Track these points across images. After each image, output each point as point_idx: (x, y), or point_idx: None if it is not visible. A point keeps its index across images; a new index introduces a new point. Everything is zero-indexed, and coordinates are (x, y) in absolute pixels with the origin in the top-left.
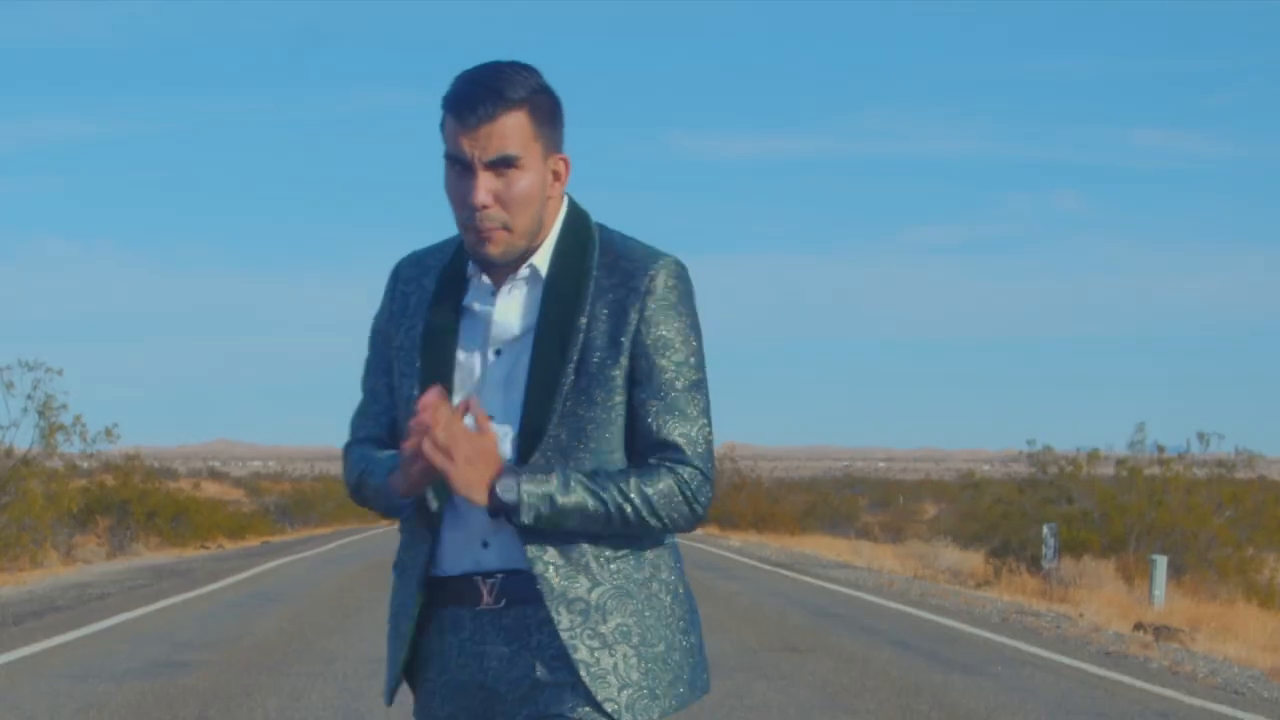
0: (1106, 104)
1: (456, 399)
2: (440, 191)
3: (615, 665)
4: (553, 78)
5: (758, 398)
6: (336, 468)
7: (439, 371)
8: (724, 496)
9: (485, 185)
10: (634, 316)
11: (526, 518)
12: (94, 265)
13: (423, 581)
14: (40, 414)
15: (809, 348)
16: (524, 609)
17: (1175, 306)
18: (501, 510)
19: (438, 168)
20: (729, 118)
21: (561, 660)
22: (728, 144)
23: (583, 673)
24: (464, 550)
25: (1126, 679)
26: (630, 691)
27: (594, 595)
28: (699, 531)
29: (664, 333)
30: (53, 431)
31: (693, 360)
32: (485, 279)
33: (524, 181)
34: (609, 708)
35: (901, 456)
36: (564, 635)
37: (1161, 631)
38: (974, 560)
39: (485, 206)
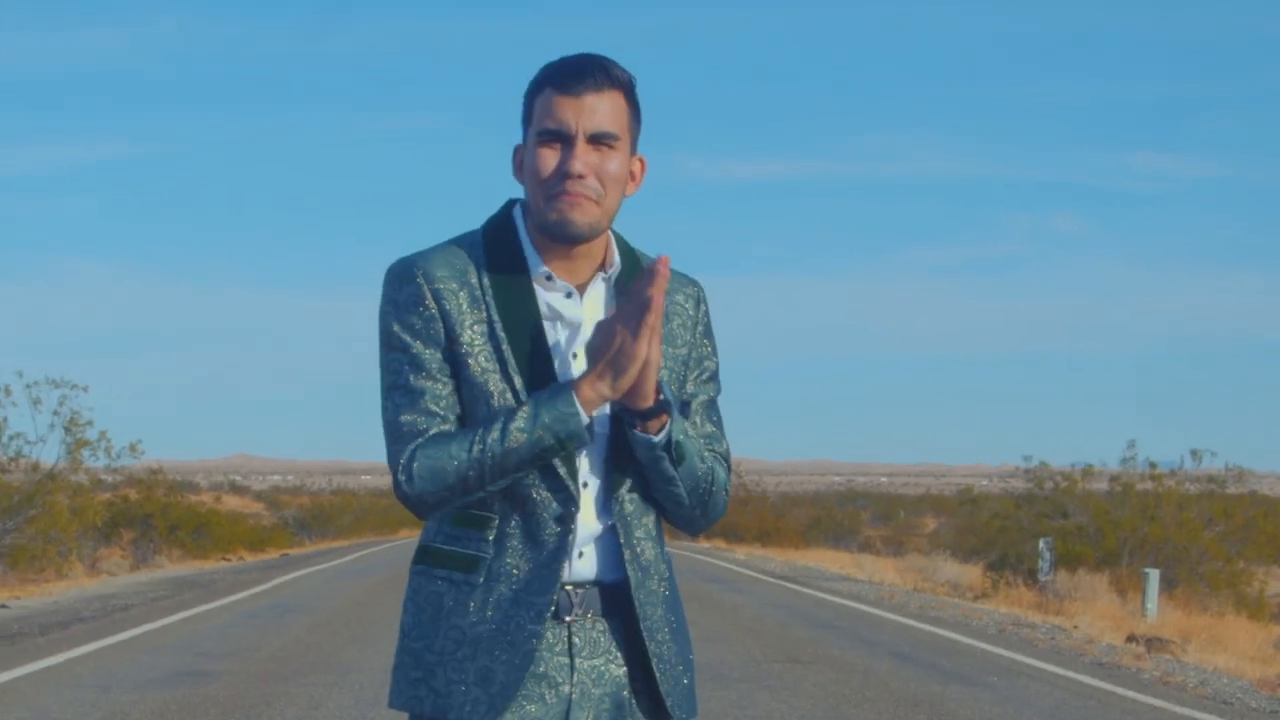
0: (1102, 128)
1: None
2: (457, 206)
3: (676, 665)
4: None
5: (763, 414)
6: (354, 481)
7: (538, 362)
8: (730, 510)
9: (584, 156)
10: (696, 323)
11: (677, 431)
12: (119, 284)
13: (554, 578)
14: (66, 430)
15: (813, 366)
16: (595, 620)
17: (1168, 325)
18: (662, 411)
19: (463, 187)
20: (736, 142)
21: (617, 662)
22: (735, 167)
23: (655, 663)
24: (570, 557)
25: (1119, 690)
26: (682, 691)
27: (662, 599)
28: (704, 544)
29: (711, 344)
30: (79, 447)
31: (719, 377)
32: (560, 278)
33: (617, 162)
34: (669, 702)
35: (903, 472)
36: (643, 624)
37: (1153, 643)
38: (972, 573)
39: (583, 175)
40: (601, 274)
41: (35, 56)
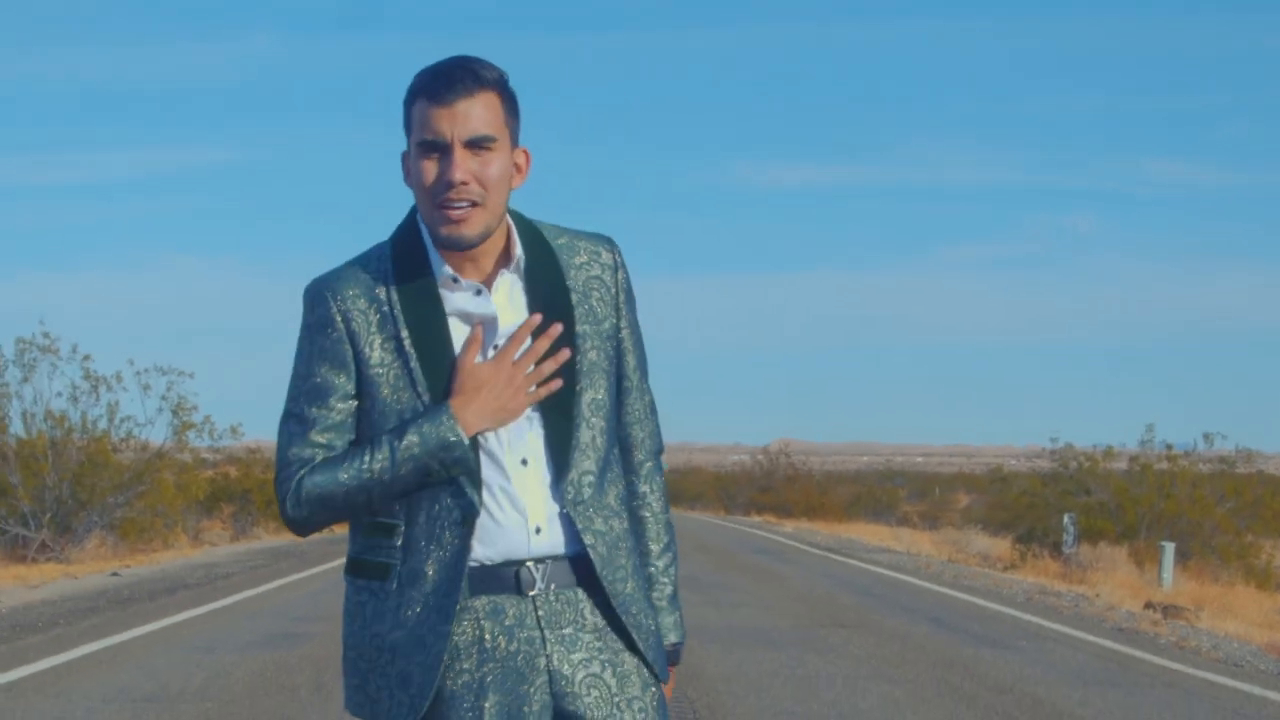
0: (1118, 136)
1: None
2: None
3: (654, 631)
4: (627, 114)
5: (809, 399)
6: None
7: (444, 371)
8: (779, 488)
9: (463, 163)
10: (615, 290)
11: (677, 636)
12: (221, 279)
13: (457, 577)
14: (173, 413)
15: (854, 354)
16: (564, 592)
17: (1182, 318)
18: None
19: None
20: (786, 150)
21: (600, 634)
22: (785, 173)
23: (634, 634)
24: (512, 536)
25: (1138, 653)
26: (661, 658)
27: (633, 571)
28: (756, 519)
29: (631, 307)
30: (184, 429)
31: (640, 330)
32: (465, 279)
33: (498, 163)
34: (655, 669)
35: (937, 452)
36: (615, 600)
37: (1169, 610)
38: (1002, 546)
39: (465, 182)
40: (505, 267)
41: (146, 69)
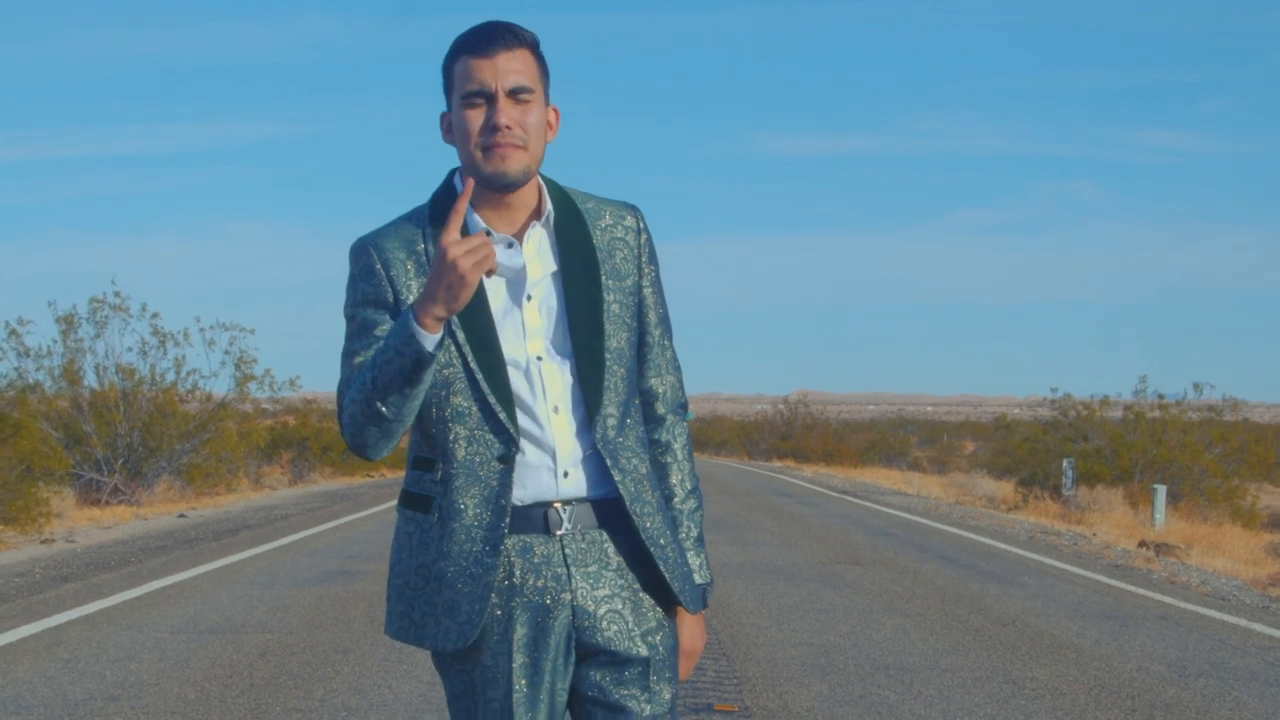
0: (1118, 108)
1: (505, 348)
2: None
3: (682, 565)
4: (657, 88)
5: (826, 353)
6: None
7: (479, 322)
8: (798, 435)
9: (506, 110)
10: (638, 251)
11: (707, 577)
12: (280, 243)
13: (502, 512)
14: (236, 366)
15: (868, 311)
16: (589, 532)
17: (1175, 277)
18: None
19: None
20: (804, 121)
21: (621, 572)
22: (803, 142)
23: (662, 566)
24: (542, 479)
25: (1132, 587)
26: (692, 589)
27: (659, 507)
28: (777, 464)
29: (655, 268)
30: (246, 381)
31: (663, 291)
32: (499, 232)
33: (536, 113)
34: (682, 599)
35: (945, 402)
36: (643, 535)
37: (1161, 548)
38: (1005, 489)
39: (509, 126)
40: (537, 221)
41: (209, 49)
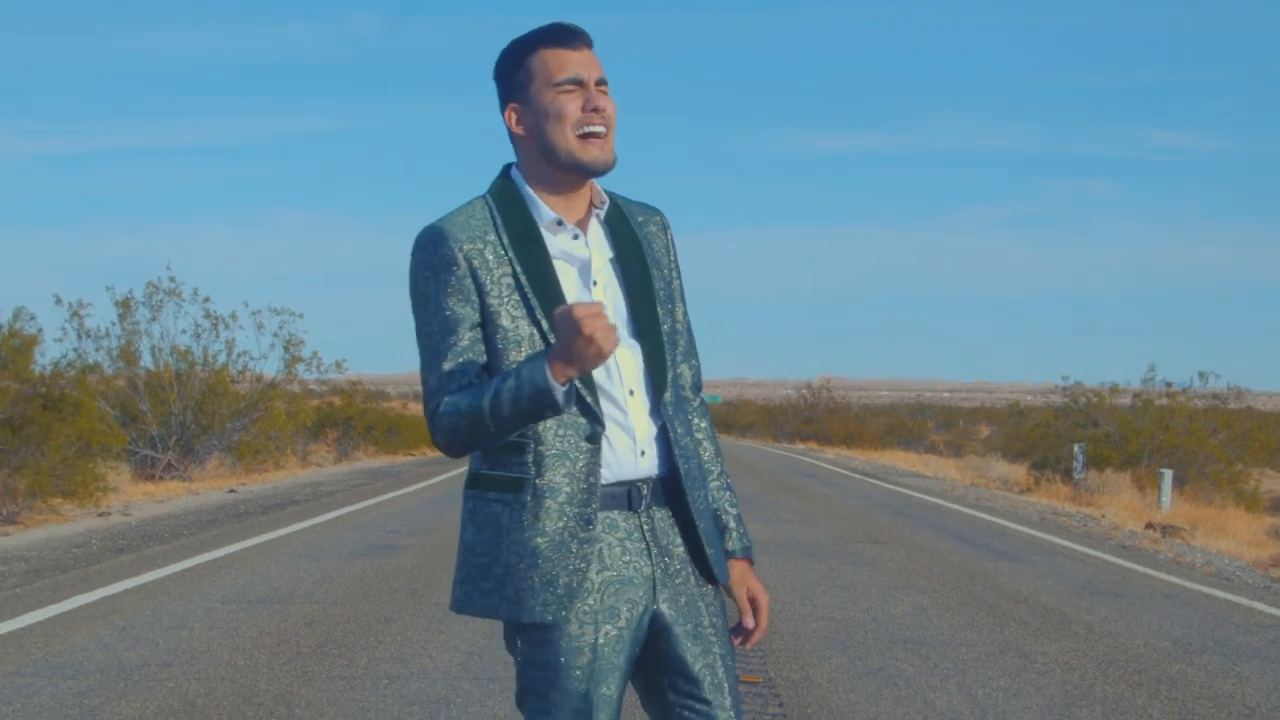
0: (1128, 108)
1: None
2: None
3: (716, 539)
4: (697, 88)
5: (848, 340)
6: None
7: (557, 303)
8: (821, 419)
9: (599, 96)
10: (668, 245)
11: (747, 542)
12: (328, 231)
13: (593, 490)
14: (285, 349)
15: (889, 300)
16: (656, 510)
17: (1182, 270)
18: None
19: None
20: (828, 119)
21: (679, 542)
22: (826, 140)
23: (703, 539)
24: (624, 459)
25: (1139, 567)
26: (722, 562)
27: (701, 484)
28: (800, 446)
29: (678, 265)
30: (294, 363)
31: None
32: (568, 222)
33: (613, 103)
34: (715, 571)
35: (962, 388)
36: (693, 509)
37: (1167, 530)
38: (1019, 472)
39: (604, 109)
40: (596, 212)
41: (260, 44)
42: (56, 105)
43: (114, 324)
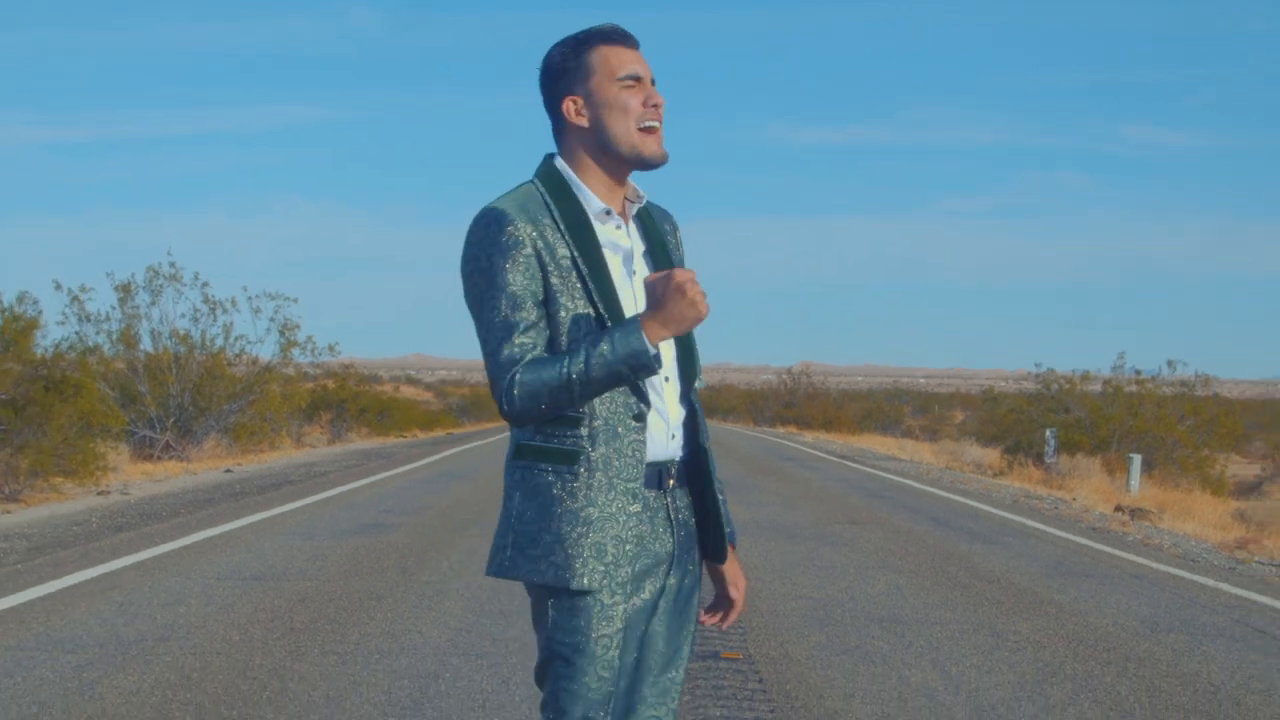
0: (1103, 104)
1: (629, 310)
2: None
3: (725, 514)
4: (683, 83)
5: (828, 327)
6: None
7: (612, 295)
8: (801, 403)
9: (656, 93)
10: (679, 247)
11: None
12: (321, 219)
13: (640, 466)
14: (280, 333)
15: (867, 289)
16: (677, 490)
17: (1152, 261)
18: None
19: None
20: (803, 113)
21: (692, 524)
22: (808, 134)
23: (722, 519)
24: (659, 441)
25: (1108, 548)
26: (730, 527)
27: (713, 468)
28: (781, 430)
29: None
30: (289, 346)
31: None
32: (614, 214)
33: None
34: (730, 541)
35: (937, 374)
36: (715, 489)
37: (1136, 513)
38: (992, 456)
39: (662, 105)
40: (632, 206)
41: (260, 36)
42: (60, 96)
43: (114, 308)
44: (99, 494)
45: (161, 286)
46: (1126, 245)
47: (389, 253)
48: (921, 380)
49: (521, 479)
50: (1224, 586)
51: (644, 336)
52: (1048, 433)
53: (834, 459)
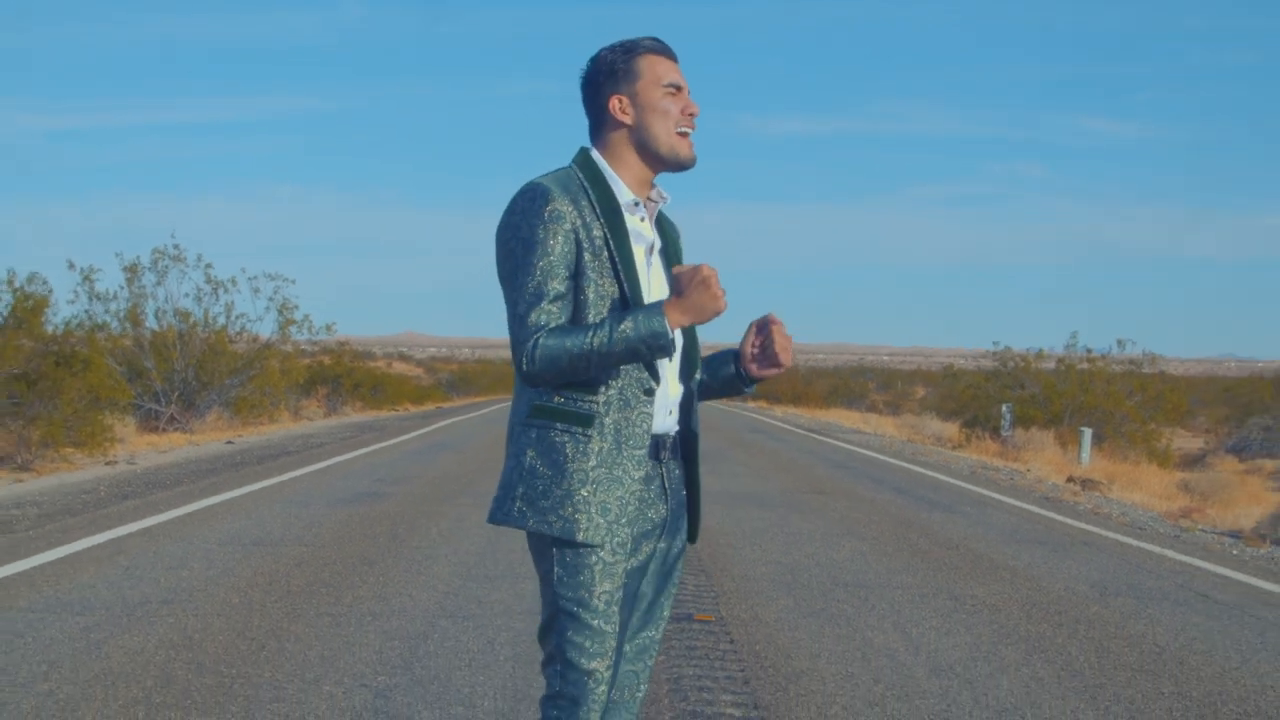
0: (1061, 97)
1: (647, 296)
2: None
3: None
4: None
5: (797, 307)
6: (493, 353)
7: (635, 279)
8: (771, 379)
9: (693, 103)
10: (679, 240)
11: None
12: (318, 203)
13: (646, 435)
14: (279, 312)
15: (836, 271)
16: (672, 461)
17: (1104, 246)
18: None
19: (550, 139)
20: (782, 105)
21: (683, 494)
22: (780, 124)
23: (699, 494)
24: (660, 415)
25: (1060, 517)
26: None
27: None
28: (752, 405)
29: None
30: (287, 325)
31: None
32: (642, 206)
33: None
34: (698, 519)
35: (900, 352)
36: (698, 467)
37: (1087, 483)
38: (951, 429)
39: (697, 113)
40: (655, 205)
41: (256, 30)
42: (65, 86)
43: (122, 288)
44: (106, 464)
45: (167, 267)
46: (1080, 231)
47: (383, 235)
48: (885, 358)
49: (537, 438)
50: (1169, 553)
51: (665, 320)
52: (1004, 408)
53: (802, 432)
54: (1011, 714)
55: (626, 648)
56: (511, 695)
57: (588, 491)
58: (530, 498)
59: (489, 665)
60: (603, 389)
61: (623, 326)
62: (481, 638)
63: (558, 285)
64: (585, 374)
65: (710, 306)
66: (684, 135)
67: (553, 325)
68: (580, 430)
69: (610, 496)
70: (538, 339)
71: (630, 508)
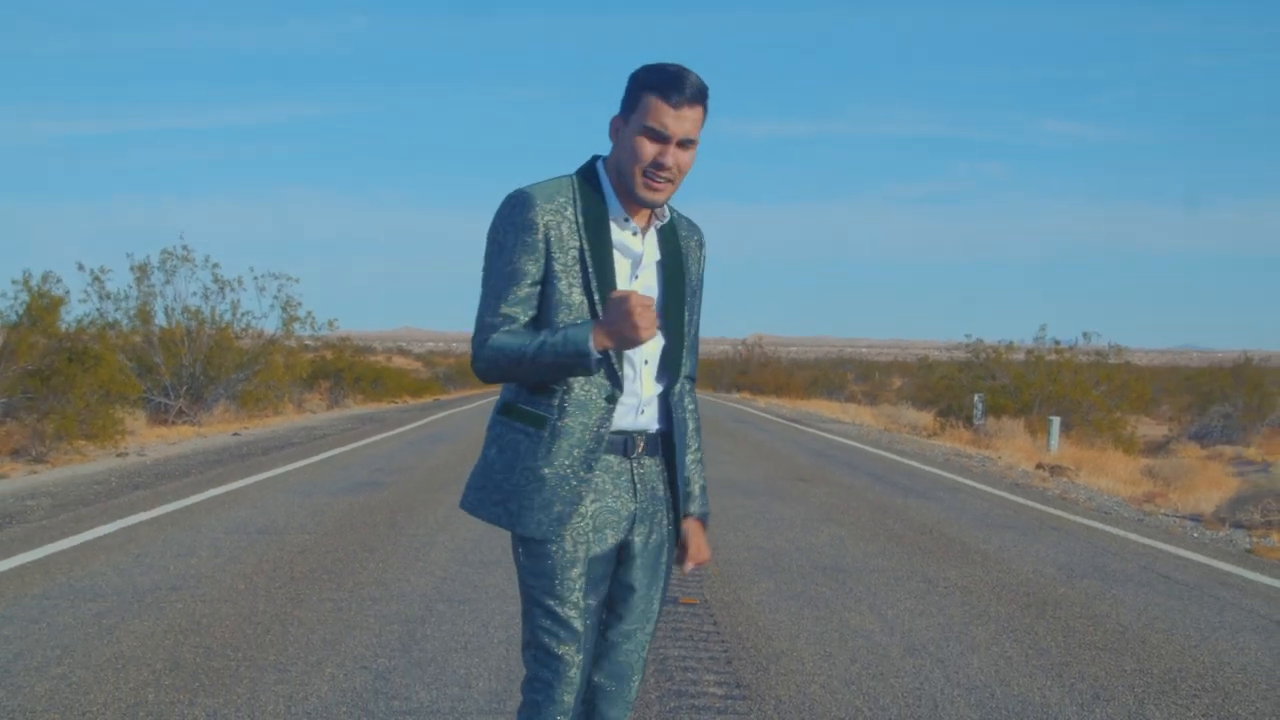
0: (1023, 100)
1: None
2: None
3: (686, 491)
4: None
5: (778, 301)
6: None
7: (610, 284)
8: (754, 371)
9: (673, 155)
10: (700, 259)
11: (706, 506)
12: (322, 203)
13: (601, 439)
14: (283, 309)
15: (815, 267)
16: (646, 459)
17: (1069, 242)
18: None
19: (556, 144)
20: (757, 109)
21: (661, 490)
22: (756, 127)
23: (680, 490)
24: (629, 413)
25: (1030, 502)
26: (683, 505)
27: (685, 445)
28: (736, 396)
29: (703, 279)
30: (291, 321)
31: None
32: (633, 221)
33: (691, 156)
34: (683, 515)
35: (878, 344)
36: (678, 463)
37: (1055, 470)
38: (926, 418)
39: (670, 168)
40: (656, 221)
41: (264, 39)
42: (79, 92)
43: (131, 287)
44: (118, 456)
45: (175, 267)
46: (1046, 227)
47: (384, 234)
48: (864, 350)
49: (499, 434)
50: (1133, 536)
51: (590, 339)
52: (976, 397)
53: (784, 422)
54: (981, 691)
55: (618, 638)
56: (505, 677)
57: (531, 489)
58: (485, 489)
59: (484, 648)
60: (560, 394)
61: (553, 340)
62: (476, 621)
63: (518, 291)
64: (526, 378)
65: (629, 335)
66: (651, 182)
67: (507, 328)
68: (535, 430)
69: (555, 496)
70: (486, 340)
71: (577, 504)
